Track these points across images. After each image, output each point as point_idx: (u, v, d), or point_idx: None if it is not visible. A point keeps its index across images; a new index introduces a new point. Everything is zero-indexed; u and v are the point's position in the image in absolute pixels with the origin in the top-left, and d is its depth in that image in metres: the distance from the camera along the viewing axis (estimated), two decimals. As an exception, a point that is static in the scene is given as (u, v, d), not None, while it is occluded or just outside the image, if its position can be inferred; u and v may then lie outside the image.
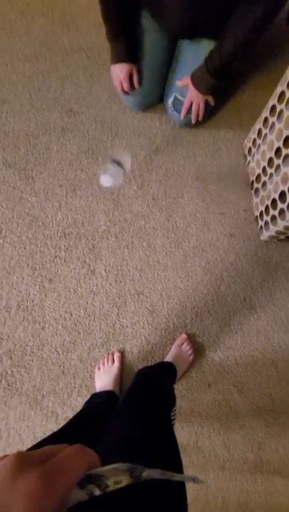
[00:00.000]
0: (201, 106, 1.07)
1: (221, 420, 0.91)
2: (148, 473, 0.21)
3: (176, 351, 0.93)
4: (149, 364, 0.94)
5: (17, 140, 1.16)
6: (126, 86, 1.05)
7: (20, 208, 1.08)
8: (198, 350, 0.97)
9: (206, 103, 1.08)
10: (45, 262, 1.02)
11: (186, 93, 1.08)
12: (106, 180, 0.99)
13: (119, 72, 1.02)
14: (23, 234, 1.05)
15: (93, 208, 1.10)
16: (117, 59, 1.01)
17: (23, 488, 0.15)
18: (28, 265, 1.01)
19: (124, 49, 0.99)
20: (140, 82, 1.10)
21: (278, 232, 0.99)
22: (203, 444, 0.88)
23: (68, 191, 1.11)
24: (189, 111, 1.10)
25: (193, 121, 1.12)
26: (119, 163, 0.98)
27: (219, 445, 0.88)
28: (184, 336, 0.97)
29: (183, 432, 0.89)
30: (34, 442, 0.85)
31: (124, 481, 0.20)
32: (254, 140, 1.12)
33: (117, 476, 0.20)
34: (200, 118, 1.11)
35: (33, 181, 1.11)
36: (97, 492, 0.19)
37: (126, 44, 0.98)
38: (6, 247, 1.03)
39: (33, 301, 0.98)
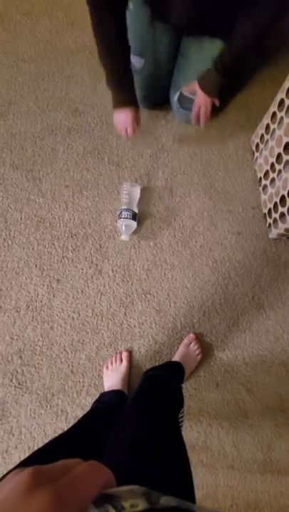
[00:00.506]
0: (209, 108, 1.05)
1: (230, 420, 0.91)
2: (165, 501, 0.20)
3: (184, 351, 0.93)
4: (156, 363, 0.95)
5: (24, 141, 1.17)
6: (130, 132, 0.98)
7: (28, 209, 1.09)
8: (206, 349, 0.97)
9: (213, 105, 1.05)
10: (53, 262, 1.03)
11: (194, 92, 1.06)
12: (126, 235, 1.04)
13: (124, 117, 0.95)
14: (31, 235, 1.06)
15: (100, 208, 1.10)
16: (121, 104, 0.93)
17: (37, 507, 0.15)
18: (36, 266, 1.03)
19: (128, 92, 0.92)
20: (145, 82, 1.09)
21: (287, 230, 0.97)
22: (212, 443, 0.88)
23: (75, 192, 1.12)
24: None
25: (201, 125, 1.10)
26: (130, 204, 1.06)
27: (228, 444, 0.88)
28: (191, 335, 0.96)
29: (192, 431, 0.89)
30: (45, 440, 0.87)
31: (141, 505, 0.19)
32: (262, 136, 1.10)
33: (133, 499, 0.19)
34: (201, 122, 1.09)
35: (40, 182, 1.12)
36: None
37: (129, 87, 0.91)
38: (15, 248, 1.04)
39: (41, 301, 0.99)
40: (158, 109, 1.22)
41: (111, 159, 1.16)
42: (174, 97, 1.13)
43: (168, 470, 0.43)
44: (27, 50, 1.32)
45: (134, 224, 1.04)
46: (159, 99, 1.20)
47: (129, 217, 1.02)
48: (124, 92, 0.92)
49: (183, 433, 0.53)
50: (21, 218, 1.08)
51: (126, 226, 1.03)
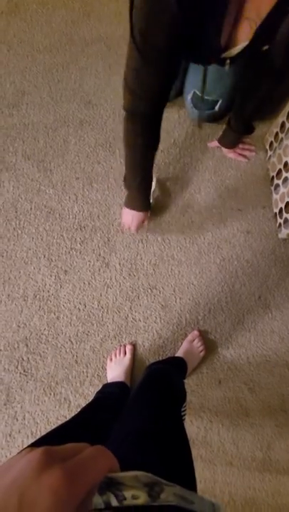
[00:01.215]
0: (245, 146, 1.14)
1: (231, 417, 0.91)
2: (166, 496, 0.21)
3: (187, 347, 0.94)
4: (160, 358, 0.95)
5: (36, 132, 1.18)
6: (133, 231, 0.98)
7: (38, 200, 1.10)
8: (209, 346, 0.97)
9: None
10: (61, 253, 1.04)
11: (207, 89, 1.04)
12: None
13: (130, 218, 0.94)
14: (41, 225, 1.07)
15: (109, 201, 1.10)
16: (131, 206, 0.91)
17: (49, 484, 0.15)
18: (44, 256, 1.04)
19: (142, 199, 0.90)
20: None
21: (298, 231, 0.96)
22: (212, 439, 0.88)
23: (85, 184, 1.12)
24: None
25: (250, 157, 1.16)
26: None
27: (228, 441, 0.88)
28: (195, 332, 0.97)
29: (192, 426, 0.90)
30: (47, 426, 0.88)
31: (142, 498, 0.20)
32: (276, 134, 1.08)
33: (135, 490, 0.20)
34: (250, 155, 1.16)
35: (51, 173, 1.12)
36: (114, 502, 0.19)
37: (145, 194, 0.89)
38: (24, 237, 1.06)
39: (48, 291, 1.01)
40: (171, 105, 1.21)
41: (122, 152, 1.16)
42: (188, 97, 1.12)
43: (170, 463, 0.44)
44: (42, 41, 1.32)
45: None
46: (173, 95, 1.19)
47: None
48: (140, 198, 0.89)
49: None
50: (31, 208, 1.09)
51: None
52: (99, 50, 1.31)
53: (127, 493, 0.19)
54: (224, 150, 1.13)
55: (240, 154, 1.14)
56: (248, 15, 0.54)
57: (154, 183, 1.05)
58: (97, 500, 0.19)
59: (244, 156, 1.15)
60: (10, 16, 1.36)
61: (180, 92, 1.18)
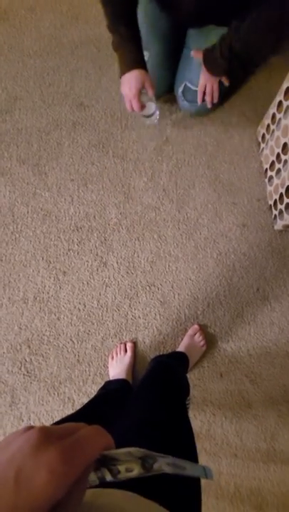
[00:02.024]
0: (215, 87, 1.01)
1: (234, 409, 0.91)
2: (159, 466, 0.21)
3: (188, 341, 0.94)
4: (159, 354, 0.96)
5: (30, 136, 1.19)
6: (136, 106, 0.90)
7: (34, 203, 1.11)
8: (210, 340, 0.98)
9: (220, 84, 1.02)
10: (59, 255, 1.06)
11: (196, 81, 1.05)
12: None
13: (128, 86, 0.86)
14: (38, 228, 1.08)
15: (104, 201, 1.11)
16: (125, 68, 0.86)
17: (46, 461, 0.16)
18: (43, 258, 1.05)
19: (133, 53, 0.85)
20: (150, 74, 1.08)
21: (292, 221, 0.96)
22: (216, 432, 0.89)
23: (80, 185, 1.13)
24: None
25: (209, 106, 1.07)
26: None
27: (232, 433, 0.89)
28: (195, 326, 0.97)
29: (195, 420, 0.91)
30: (52, 426, 0.90)
31: (136, 470, 0.20)
32: (268, 126, 1.08)
33: (129, 463, 0.20)
34: (215, 100, 1.05)
35: (45, 176, 1.14)
36: (108, 477, 0.20)
37: (135, 48, 0.84)
38: (22, 241, 1.07)
39: (48, 292, 1.02)
40: (162, 102, 1.22)
41: (115, 152, 1.17)
42: (179, 90, 1.12)
43: (175, 452, 0.45)
44: (32, 45, 1.33)
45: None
46: (163, 90, 1.20)
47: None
48: (131, 52, 0.83)
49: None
50: (28, 212, 1.10)
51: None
52: (88, 52, 1.32)
53: (121, 467, 0.20)
54: (202, 74, 0.99)
55: (203, 93, 1.04)
56: None
57: (153, 107, 1.00)
58: (92, 478, 0.19)
59: (203, 100, 1.05)
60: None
61: (171, 89, 1.19)
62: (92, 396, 0.92)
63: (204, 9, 0.82)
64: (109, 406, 0.71)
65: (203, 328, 0.98)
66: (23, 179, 1.14)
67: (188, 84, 1.08)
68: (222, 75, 0.99)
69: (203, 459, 0.86)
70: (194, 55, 0.99)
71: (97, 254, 1.06)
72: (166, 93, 1.21)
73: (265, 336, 0.98)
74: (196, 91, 1.06)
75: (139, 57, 0.86)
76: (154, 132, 1.20)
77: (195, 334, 0.96)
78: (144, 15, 1.01)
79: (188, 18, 0.93)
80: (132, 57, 0.85)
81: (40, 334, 0.99)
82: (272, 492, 0.83)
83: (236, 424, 0.90)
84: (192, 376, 0.94)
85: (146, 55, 1.04)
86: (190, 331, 0.97)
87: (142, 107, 0.93)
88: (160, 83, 1.16)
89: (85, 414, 0.63)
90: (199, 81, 1.02)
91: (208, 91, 1.02)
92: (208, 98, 1.05)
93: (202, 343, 0.95)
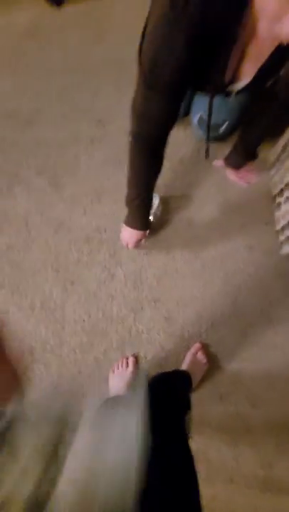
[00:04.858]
0: (249, 171, 1.09)
1: (232, 433, 0.91)
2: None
3: (191, 359, 0.95)
4: (162, 370, 0.96)
5: (49, 149, 1.24)
6: (130, 247, 0.98)
7: (48, 213, 1.14)
8: (212, 360, 0.98)
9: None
10: (68, 264, 1.08)
11: (213, 114, 1.09)
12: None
13: (128, 235, 0.95)
14: (50, 237, 1.11)
15: (116, 215, 1.14)
16: (131, 224, 0.92)
17: None
18: (52, 267, 1.07)
19: (141, 218, 0.91)
20: None
21: (300, 247, 0.98)
22: (212, 456, 0.88)
23: (94, 198, 1.16)
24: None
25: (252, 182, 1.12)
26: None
27: (229, 458, 0.88)
28: (197, 344, 0.98)
29: (192, 442, 0.90)
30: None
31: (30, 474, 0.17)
32: (278, 155, 1.12)
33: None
34: (254, 179, 1.10)
35: (61, 188, 1.18)
36: None
37: (144, 214, 0.91)
38: (34, 248, 1.10)
39: (55, 301, 1.04)
40: (177, 124, 1.26)
41: (130, 169, 1.21)
42: (195, 120, 1.17)
43: (173, 482, 0.44)
44: (57, 62, 1.41)
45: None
46: (180, 115, 1.25)
47: None
48: (139, 217, 0.90)
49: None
50: (41, 221, 1.13)
51: None
52: (111, 72, 1.38)
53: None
54: (228, 171, 1.15)
55: (242, 178, 1.15)
56: (251, 54, 0.58)
57: (156, 202, 1.08)
58: None
59: (245, 181, 1.16)
60: (28, 39, 1.45)
61: (187, 112, 1.24)
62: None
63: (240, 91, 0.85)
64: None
65: (205, 347, 0.99)
66: (39, 189, 1.18)
67: (204, 115, 1.13)
68: (250, 159, 1.04)
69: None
70: (216, 165, 1.08)
71: (105, 266, 1.08)
72: (182, 116, 1.26)
73: (267, 358, 0.98)
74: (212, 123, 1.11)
75: (146, 223, 0.92)
76: (168, 152, 1.24)
77: (197, 352, 0.96)
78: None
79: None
80: (141, 221, 0.91)
81: (44, 342, 1.00)
82: (268, 522, 0.81)
83: (234, 449, 0.89)
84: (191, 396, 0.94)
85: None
86: (192, 349, 0.97)
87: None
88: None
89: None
90: (230, 176, 1.08)
91: (244, 176, 1.08)
92: (252, 181, 1.10)
93: (204, 361, 0.95)
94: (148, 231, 0.97)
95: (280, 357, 0.98)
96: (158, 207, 1.11)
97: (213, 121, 1.11)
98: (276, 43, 0.55)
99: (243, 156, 1.06)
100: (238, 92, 0.73)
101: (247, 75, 0.64)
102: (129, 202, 0.88)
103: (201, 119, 1.14)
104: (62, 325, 1.02)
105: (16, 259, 1.08)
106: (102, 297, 1.05)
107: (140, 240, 0.96)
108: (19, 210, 1.15)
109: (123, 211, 1.14)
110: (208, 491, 0.84)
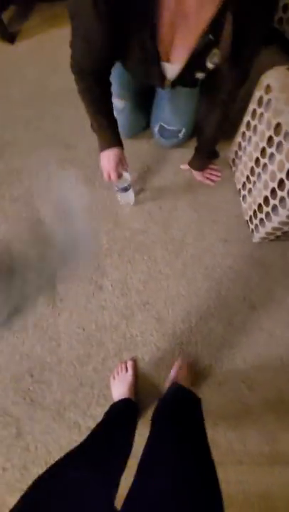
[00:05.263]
0: (211, 170, 1.24)
1: (235, 417, 0.95)
2: None
3: (174, 375, 0.95)
4: (160, 369, 1.00)
5: (20, 175, 1.29)
6: (114, 176, 0.98)
7: (27, 236, 1.18)
8: (206, 351, 1.03)
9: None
10: (55, 282, 1.11)
11: (169, 121, 1.18)
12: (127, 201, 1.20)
13: (107, 161, 0.97)
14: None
15: (95, 229, 1.19)
16: (104, 146, 0.96)
17: None
18: (40, 287, 1.10)
19: (111, 136, 0.95)
20: (127, 119, 1.23)
21: (268, 233, 1.06)
22: (219, 441, 0.91)
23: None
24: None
25: (215, 180, 1.25)
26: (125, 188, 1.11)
27: (235, 441, 0.92)
28: (179, 362, 0.99)
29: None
30: (60, 453, 0.90)
31: None
32: (236, 152, 1.22)
33: None
34: (217, 177, 1.24)
35: (37, 211, 1.22)
36: None
37: (112, 131, 0.95)
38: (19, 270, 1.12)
39: (47, 320, 1.06)
40: (140, 137, 1.35)
41: (101, 183, 1.27)
42: (155, 129, 1.26)
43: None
44: (18, 96, 1.47)
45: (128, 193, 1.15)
46: (140, 130, 1.34)
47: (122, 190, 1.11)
48: (109, 135, 0.95)
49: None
50: (21, 244, 1.17)
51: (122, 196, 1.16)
52: (70, 98, 1.45)
53: None
54: (194, 173, 1.25)
55: (207, 178, 1.25)
56: (180, 34, 0.69)
57: (128, 176, 1.08)
58: None
59: (211, 180, 1.25)
60: None
61: (148, 125, 1.33)
62: (97, 419, 0.93)
63: (175, 82, 0.95)
64: (116, 430, 0.73)
65: (198, 342, 1.04)
66: (16, 214, 1.21)
67: (163, 124, 1.22)
68: (212, 158, 1.20)
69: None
70: (183, 168, 1.25)
71: (92, 279, 1.12)
72: (144, 129, 1.35)
73: (256, 342, 1.04)
74: (170, 130, 1.21)
75: (117, 139, 0.96)
76: (136, 163, 1.32)
77: (180, 366, 0.97)
78: (119, 73, 1.13)
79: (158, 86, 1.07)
80: (110, 140, 0.95)
81: (42, 362, 1.01)
82: (280, 494, 0.84)
83: (238, 431, 0.93)
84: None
85: (121, 103, 1.18)
86: (175, 366, 0.98)
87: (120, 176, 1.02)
88: (136, 125, 1.30)
89: (96, 440, 0.65)
90: (194, 175, 1.24)
91: (208, 176, 1.23)
92: (213, 179, 1.24)
93: (187, 375, 0.95)
94: (123, 150, 0.98)
95: (267, 338, 1.05)
96: (131, 193, 1.17)
97: (171, 128, 1.21)
98: (201, 27, 0.66)
99: (204, 156, 1.16)
100: (174, 85, 0.87)
101: (178, 58, 0.77)
102: (94, 128, 0.95)
103: (161, 127, 1.22)
104: (57, 342, 1.04)
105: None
106: (93, 309, 1.08)
107: (120, 160, 0.97)
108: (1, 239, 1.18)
109: (102, 224, 1.20)
110: (221, 476, 0.87)
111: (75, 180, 1.28)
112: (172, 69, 0.82)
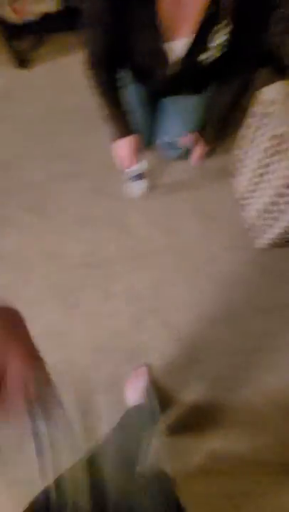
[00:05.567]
0: (204, 152, 1.22)
1: (248, 427, 0.97)
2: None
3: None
4: (170, 373, 1.02)
5: (33, 187, 1.34)
6: (130, 163, 1.01)
7: (40, 246, 1.21)
8: (219, 351, 1.06)
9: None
10: (66, 291, 1.14)
11: (174, 133, 1.26)
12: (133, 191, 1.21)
13: (122, 151, 1.00)
14: (44, 268, 1.17)
15: (104, 238, 1.24)
16: (118, 135, 0.98)
17: None
18: (53, 295, 1.13)
19: (125, 123, 0.97)
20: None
21: (268, 240, 1.13)
22: (233, 454, 0.93)
23: (81, 226, 1.26)
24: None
25: (193, 163, 1.24)
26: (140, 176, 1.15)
27: (247, 452, 0.94)
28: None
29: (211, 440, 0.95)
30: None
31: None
32: (236, 166, 1.30)
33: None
34: (197, 163, 1.24)
35: (49, 220, 1.27)
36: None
37: (126, 121, 0.98)
38: (32, 280, 1.15)
39: (59, 328, 1.08)
40: (146, 152, 1.42)
41: (110, 195, 1.33)
42: (160, 144, 1.33)
43: None
44: (32, 114, 1.55)
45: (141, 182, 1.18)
46: (146, 144, 1.40)
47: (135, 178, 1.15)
48: (122, 123, 0.97)
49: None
50: (34, 254, 1.20)
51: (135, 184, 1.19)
52: (79, 116, 1.53)
53: None
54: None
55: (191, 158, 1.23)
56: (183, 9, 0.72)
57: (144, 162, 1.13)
58: None
59: (193, 161, 1.22)
60: (2, 101, 1.60)
61: (152, 142, 1.40)
62: (113, 425, 0.95)
63: (174, 87, 1.02)
64: (129, 433, 0.75)
65: (202, 347, 1.07)
66: (28, 224, 1.25)
67: (166, 138, 1.29)
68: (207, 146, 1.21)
69: None
70: (182, 142, 1.20)
71: (101, 287, 1.15)
72: (148, 145, 1.41)
73: (261, 344, 1.08)
74: (171, 143, 1.27)
75: (132, 128, 0.99)
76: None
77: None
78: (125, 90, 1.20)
79: (160, 92, 1.15)
80: (126, 128, 0.99)
81: (55, 369, 1.02)
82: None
83: (249, 442, 0.95)
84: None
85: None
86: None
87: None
88: (142, 138, 1.37)
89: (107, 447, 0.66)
90: (193, 149, 1.21)
91: (199, 153, 1.21)
92: (195, 162, 1.22)
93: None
94: (138, 137, 1.00)
95: (272, 340, 1.09)
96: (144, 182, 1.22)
97: (175, 139, 1.26)
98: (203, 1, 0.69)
99: (209, 135, 1.14)
100: (177, 78, 0.90)
101: (182, 34, 0.79)
102: (107, 117, 0.98)
103: (163, 142, 1.29)
104: (70, 349, 1.05)
105: (17, 292, 1.13)
106: (104, 316, 1.11)
107: (135, 147, 0.99)
108: (13, 248, 1.21)
109: (110, 232, 1.25)
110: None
111: (86, 191, 1.33)
112: (176, 48, 0.82)
